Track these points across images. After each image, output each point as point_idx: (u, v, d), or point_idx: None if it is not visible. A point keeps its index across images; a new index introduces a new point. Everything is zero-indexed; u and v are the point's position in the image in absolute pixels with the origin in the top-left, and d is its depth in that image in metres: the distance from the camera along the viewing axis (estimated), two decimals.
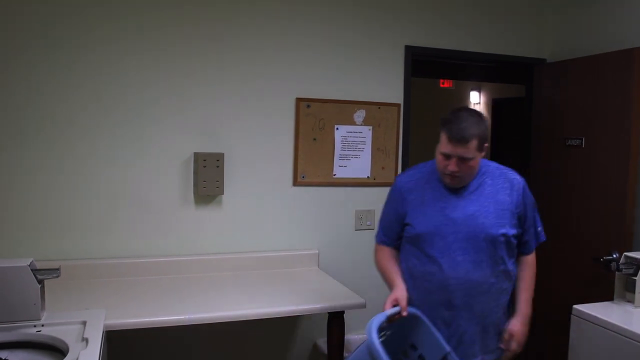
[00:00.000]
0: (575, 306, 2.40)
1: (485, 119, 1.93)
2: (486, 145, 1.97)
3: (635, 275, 2.37)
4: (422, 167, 2.14)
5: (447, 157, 1.93)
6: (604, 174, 3.05)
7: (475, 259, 1.97)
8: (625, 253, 2.44)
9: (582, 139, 3.18)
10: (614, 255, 2.89)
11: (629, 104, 2.90)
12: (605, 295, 2.84)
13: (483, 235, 1.97)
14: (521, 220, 2.06)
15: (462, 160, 1.92)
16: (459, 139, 1.88)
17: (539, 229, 2.15)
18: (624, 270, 2.40)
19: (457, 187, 2.01)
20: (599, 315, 2.27)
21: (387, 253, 2.16)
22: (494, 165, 2.10)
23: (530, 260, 2.14)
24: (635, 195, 2.93)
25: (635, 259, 2.38)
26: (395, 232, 2.14)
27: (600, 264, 2.95)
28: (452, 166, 1.93)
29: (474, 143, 1.89)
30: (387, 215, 2.17)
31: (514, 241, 2.05)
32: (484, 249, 1.97)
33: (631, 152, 2.89)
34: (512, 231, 2.02)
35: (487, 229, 1.97)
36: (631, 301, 2.39)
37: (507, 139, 7.75)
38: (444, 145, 1.94)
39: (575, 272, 3.20)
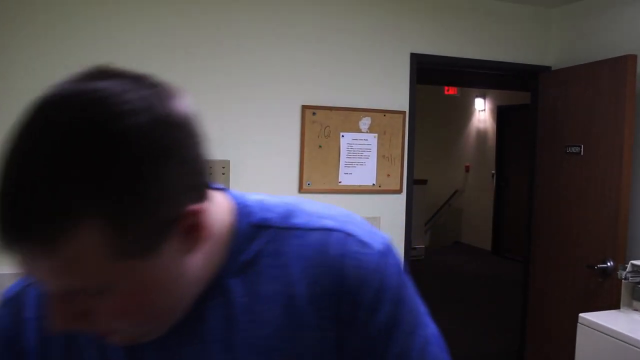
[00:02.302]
0: (581, 314, 2.39)
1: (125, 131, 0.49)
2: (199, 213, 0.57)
3: None
4: None
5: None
6: (600, 181, 3.03)
7: None
8: (632, 261, 2.43)
9: (580, 147, 3.18)
10: (608, 264, 2.89)
11: (621, 111, 2.89)
12: (603, 302, 2.84)
13: None
14: None
15: (72, 298, 0.53)
16: (11, 230, 0.48)
17: None
18: (630, 278, 2.39)
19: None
20: (605, 324, 2.26)
21: None
22: (268, 215, 0.67)
23: None
24: (629, 203, 2.91)
25: None
26: None
27: (595, 272, 2.95)
28: (60, 318, 0.54)
29: (77, 242, 0.48)
30: None
31: None
32: None
33: (624, 160, 2.88)
34: None
35: None
36: (638, 309, 2.38)
37: (512, 146, 7.75)
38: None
39: (575, 279, 3.19)
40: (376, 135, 3.21)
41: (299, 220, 0.66)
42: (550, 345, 3.32)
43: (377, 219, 3.21)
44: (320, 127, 3.09)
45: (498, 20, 3.46)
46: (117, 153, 0.49)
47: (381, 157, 3.23)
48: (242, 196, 0.68)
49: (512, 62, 3.50)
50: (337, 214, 0.68)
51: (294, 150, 3.06)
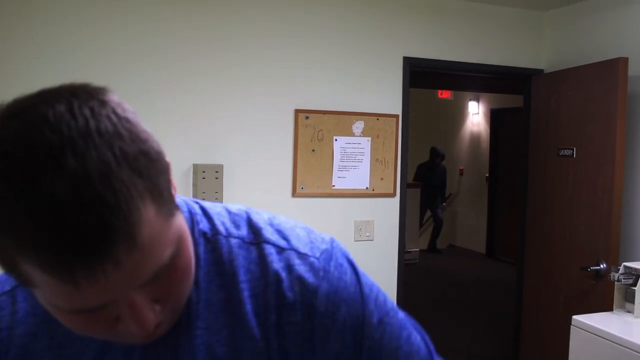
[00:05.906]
0: (574, 316, 2.40)
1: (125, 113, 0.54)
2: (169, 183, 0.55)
3: (635, 286, 2.37)
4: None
5: (100, 309, 0.51)
6: (592, 183, 3.05)
7: None
8: (625, 263, 2.44)
9: (573, 149, 3.19)
10: (601, 266, 2.90)
11: (613, 114, 2.90)
12: (596, 304, 2.84)
13: None
14: None
15: (150, 287, 0.53)
16: (97, 238, 0.46)
17: None
18: (623, 280, 2.40)
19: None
20: (598, 326, 2.27)
21: None
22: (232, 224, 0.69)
23: None
24: (622, 205, 2.92)
25: (635, 269, 2.38)
26: None
27: (589, 274, 2.96)
28: (135, 324, 0.53)
29: (147, 221, 0.49)
30: None
31: None
32: None
33: (616, 162, 2.89)
34: None
35: None
36: (631, 311, 2.39)
37: (506, 149, 7.78)
38: (56, 293, 0.48)
39: (568, 282, 3.20)
40: (369, 138, 3.21)
41: (243, 233, 0.68)
42: (544, 348, 3.32)
43: (370, 223, 3.21)
44: (314, 131, 3.08)
45: (490, 24, 3.47)
46: (147, 136, 0.53)
47: (374, 160, 3.23)
48: (189, 203, 0.69)
49: (505, 65, 3.51)
50: (278, 227, 0.69)
51: (287, 154, 3.06)
